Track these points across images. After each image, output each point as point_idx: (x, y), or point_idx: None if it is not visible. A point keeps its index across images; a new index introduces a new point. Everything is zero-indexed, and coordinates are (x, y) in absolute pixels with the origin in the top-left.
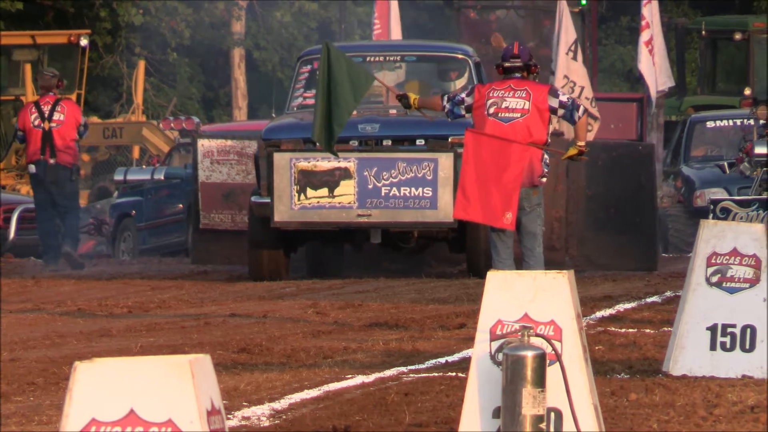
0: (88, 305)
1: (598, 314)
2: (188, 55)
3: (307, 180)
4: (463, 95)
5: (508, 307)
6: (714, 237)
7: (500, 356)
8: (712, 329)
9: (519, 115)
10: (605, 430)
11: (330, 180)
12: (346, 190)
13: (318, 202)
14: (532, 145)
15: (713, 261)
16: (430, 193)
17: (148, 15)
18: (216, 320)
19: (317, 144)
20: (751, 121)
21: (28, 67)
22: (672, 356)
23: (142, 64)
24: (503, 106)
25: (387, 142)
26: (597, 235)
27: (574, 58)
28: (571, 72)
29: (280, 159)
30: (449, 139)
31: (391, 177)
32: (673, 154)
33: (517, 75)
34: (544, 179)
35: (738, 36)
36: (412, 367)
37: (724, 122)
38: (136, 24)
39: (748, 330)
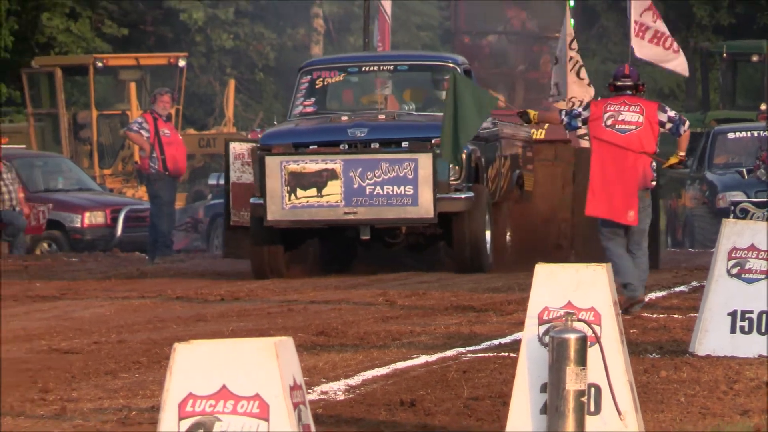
0: (186, 294)
1: None
2: (273, 75)
3: (297, 181)
4: (580, 110)
5: (554, 296)
6: (734, 234)
7: (547, 338)
8: (733, 315)
9: (634, 127)
10: (639, 402)
11: (318, 181)
12: (334, 189)
13: (307, 201)
14: (642, 153)
15: (733, 255)
16: (412, 191)
17: (238, 39)
18: (298, 307)
19: (444, 157)
20: (766, 133)
21: (132, 86)
22: (697, 338)
23: (232, 83)
24: (620, 119)
25: (375, 145)
26: None
27: (578, 75)
28: (575, 92)
29: (271, 162)
30: (432, 141)
31: (375, 177)
32: (698, 161)
33: (628, 93)
34: (654, 183)
35: (755, 58)
36: (470, 348)
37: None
38: (227, 47)
39: (764, 315)
